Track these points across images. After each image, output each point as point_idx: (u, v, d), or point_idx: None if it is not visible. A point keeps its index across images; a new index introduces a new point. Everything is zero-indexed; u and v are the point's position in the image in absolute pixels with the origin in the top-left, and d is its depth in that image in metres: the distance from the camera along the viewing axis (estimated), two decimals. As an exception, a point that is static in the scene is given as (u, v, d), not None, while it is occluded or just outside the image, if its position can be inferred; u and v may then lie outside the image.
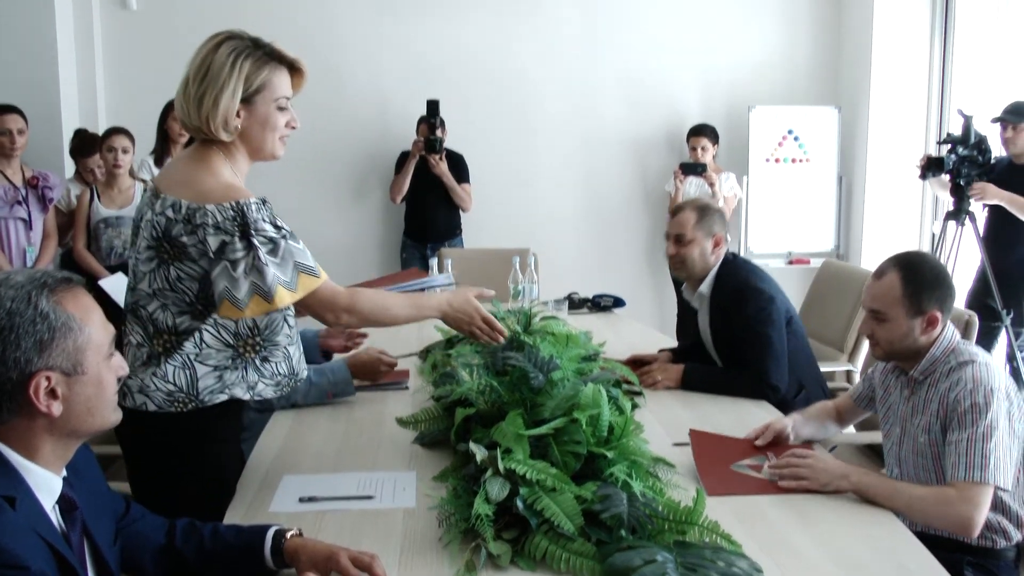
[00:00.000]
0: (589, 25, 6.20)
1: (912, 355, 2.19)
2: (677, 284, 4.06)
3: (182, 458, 1.97)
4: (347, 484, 2.06)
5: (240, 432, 2.16)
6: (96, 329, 1.42)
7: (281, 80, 1.98)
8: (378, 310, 2.05)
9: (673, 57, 6.23)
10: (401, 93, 6.01)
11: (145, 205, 1.98)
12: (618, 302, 4.19)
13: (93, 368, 1.42)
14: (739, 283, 2.94)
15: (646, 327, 3.97)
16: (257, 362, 1.98)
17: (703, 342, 3.13)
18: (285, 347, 2.02)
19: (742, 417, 2.57)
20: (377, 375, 2.79)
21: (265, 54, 1.95)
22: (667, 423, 2.50)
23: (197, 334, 1.92)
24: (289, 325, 2.02)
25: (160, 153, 5.11)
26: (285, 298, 1.87)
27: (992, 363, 2.11)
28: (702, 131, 5.78)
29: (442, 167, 5.59)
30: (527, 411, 2.02)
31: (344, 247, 6.09)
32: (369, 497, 1.99)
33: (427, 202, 5.71)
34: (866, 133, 5.94)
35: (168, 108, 5.04)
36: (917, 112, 5.89)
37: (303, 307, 1.98)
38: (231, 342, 1.95)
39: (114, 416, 1.49)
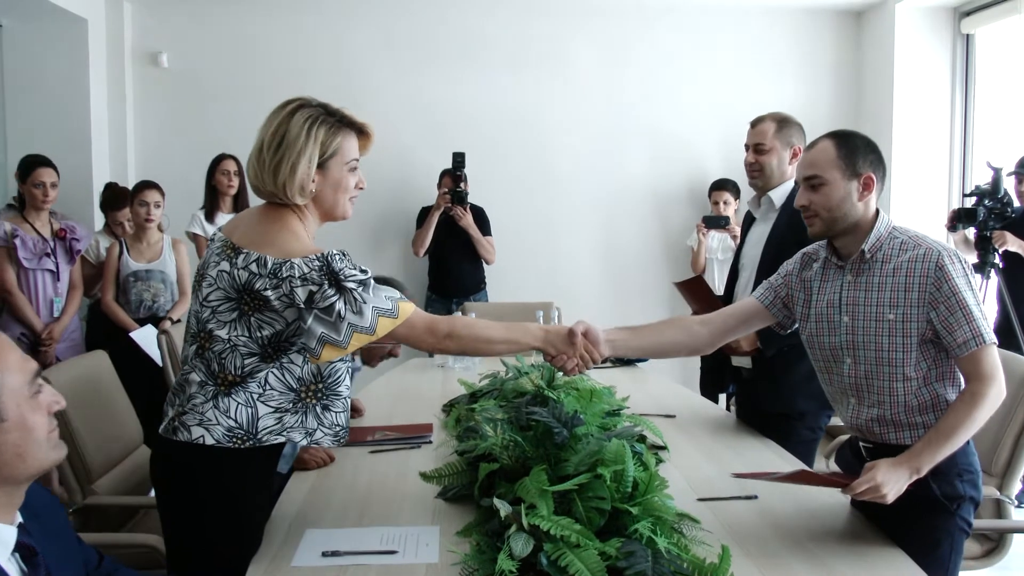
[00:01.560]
0: (611, 80, 6.28)
1: (849, 229, 2.18)
2: None
3: (223, 494, 1.97)
4: (370, 539, 2.06)
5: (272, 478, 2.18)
6: (11, 373, 1.38)
7: (351, 144, 2.05)
8: (477, 337, 2.10)
9: (695, 112, 6.29)
10: (420, 148, 6.09)
11: (217, 256, 2.01)
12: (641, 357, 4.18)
13: (13, 413, 1.37)
14: None
15: (670, 381, 3.95)
16: (318, 409, 2.02)
17: (739, 263, 3.17)
18: (345, 398, 2.06)
19: (764, 469, 2.54)
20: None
21: (337, 121, 2.02)
22: (692, 478, 2.48)
23: (261, 375, 1.97)
24: (349, 380, 2.09)
25: (210, 208, 5.22)
26: (387, 326, 1.93)
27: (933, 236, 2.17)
28: (724, 185, 5.83)
29: (467, 219, 5.63)
30: (551, 466, 2.02)
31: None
32: (392, 552, 1.99)
33: (452, 257, 5.74)
34: (889, 186, 5.93)
35: (216, 163, 5.16)
36: (939, 163, 5.90)
37: (403, 338, 2.01)
38: (294, 386, 2.00)
39: (54, 454, 1.45)
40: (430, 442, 2.88)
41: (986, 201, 4.54)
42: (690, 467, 2.60)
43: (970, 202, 4.68)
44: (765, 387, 2.98)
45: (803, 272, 2.35)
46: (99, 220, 5.34)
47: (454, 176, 5.59)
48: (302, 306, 1.89)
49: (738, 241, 5.06)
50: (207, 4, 5.98)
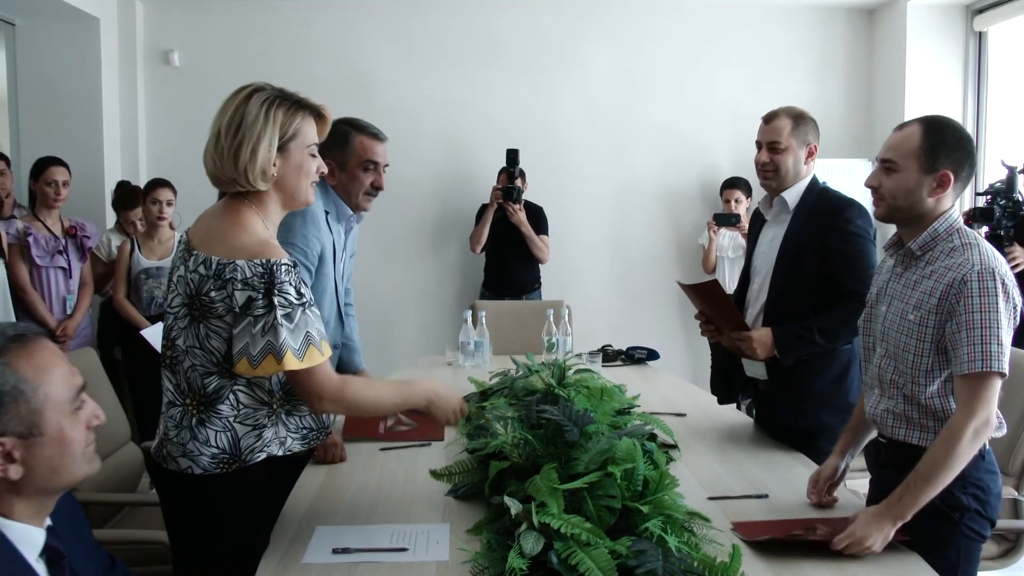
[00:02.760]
0: (622, 78, 6.28)
1: (914, 220, 2.12)
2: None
3: (225, 517, 1.97)
4: (381, 536, 2.06)
5: (279, 488, 2.18)
6: (55, 387, 1.38)
7: (310, 128, 2.01)
8: (366, 401, 2.02)
9: (707, 109, 6.28)
10: (422, 148, 6.11)
11: (179, 260, 1.99)
12: (652, 354, 4.17)
13: (53, 428, 1.37)
14: (839, 196, 2.81)
15: (680, 380, 3.94)
16: (283, 415, 1.97)
17: (751, 266, 3.00)
18: None
19: (776, 470, 2.53)
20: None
21: (294, 103, 1.98)
22: (703, 477, 2.48)
23: (232, 396, 1.92)
24: None
25: None
26: (291, 363, 1.84)
27: (994, 250, 2.05)
28: (736, 184, 5.82)
29: (520, 216, 5.62)
30: (561, 465, 2.02)
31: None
32: (403, 549, 1.99)
33: (506, 254, 5.75)
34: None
35: None
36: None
37: (300, 381, 1.91)
38: (266, 399, 1.95)
39: (87, 468, 1.46)
40: (440, 439, 2.88)
41: (1000, 200, 4.52)
42: (701, 466, 2.59)
43: (983, 201, 4.65)
44: (785, 401, 2.82)
45: (886, 258, 2.30)
46: (110, 218, 5.36)
47: (508, 172, 5.60)
48: (237, 311, 1.84)
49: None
50: (219, 2, 5.99)
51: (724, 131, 6.27)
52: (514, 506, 1.87)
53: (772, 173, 2.86)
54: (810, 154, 2.86)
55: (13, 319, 4.28)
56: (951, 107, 5.84)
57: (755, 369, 2.90)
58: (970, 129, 5.83)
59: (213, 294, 1.85)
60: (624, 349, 4.23)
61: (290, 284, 1.86)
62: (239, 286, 1.83)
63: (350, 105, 2.85)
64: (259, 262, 1.84)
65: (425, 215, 6.22)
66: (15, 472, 1.34)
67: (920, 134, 2.08)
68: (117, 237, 5.00)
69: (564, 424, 2.14)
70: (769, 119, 2.88)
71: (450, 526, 2.12)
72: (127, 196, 5.06)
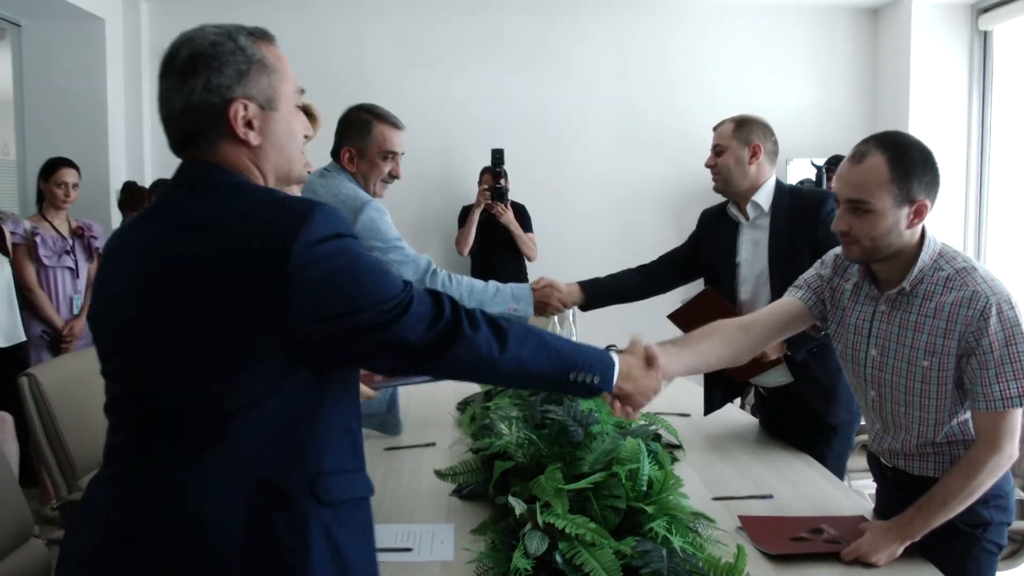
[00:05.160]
0: (626, 79, 6.28)
1: (891, 256, 1.93)
2: None
3: None
4: (385, 536, 2.05)
5: None
6: (288, 79, 1.49)
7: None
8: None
9: (709, 111, 6.25)
10: (424, 146, 6.09)
11: None
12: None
13: (284, 109, 1.46)
14: (812, 190, 2.82)
15: (684, 380, 3.93)
16: None
17: (735, 274, 2.92)
18: None
19: (781, 470, 2.54)
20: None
21: None
22: (707, 477, 2.48)
23: None
24: None
25: None
26: None
27: (989, 271, 1.91)
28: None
29: (508, 215, 5.64)
30: (566, 465, 2.02)
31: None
32: (407, 549, 1.99)
33: (494, 254, 5.75)
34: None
35: None
36: (956, 162, 5.86)
37: None
38: None
39: (301, 171, 1.53)
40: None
41: None
42: (705, 466, 2.59)
43: None
44: (812, 397, 2.77)
45: (835, 279, 2.16)
46: (116, 218, 5.37)
47: (494, 173, 5.61)
48: None
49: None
50: (224, 3, 5.99)
51: (728, 131, 6.26)
52: (519, 506, 1.87)
53: (717, 176, 2.92)
54: (754, 153, 2.85)
55: (18, 318, 4.30)
56: (955, 107, 5.83)
57: (775, 377, 2.82)
58: (975, 128, 5.83)
59: None
60: (628, 349, 4.21)
61: None
62: None
63: (350, 104, 2.87)
64: None
65: (420, 214, 6.22)
66: (255, 139, 1.42)
67: (886, 164, 1.87)
68: (122, 238, 5.00)
69: (569, 424, 2.15)
70: (717, 127, 2.97)
71: (454, 526, 2.12)
72: (133, 197, 5.08)
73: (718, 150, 2.91)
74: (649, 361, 1.86)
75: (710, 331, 2.15)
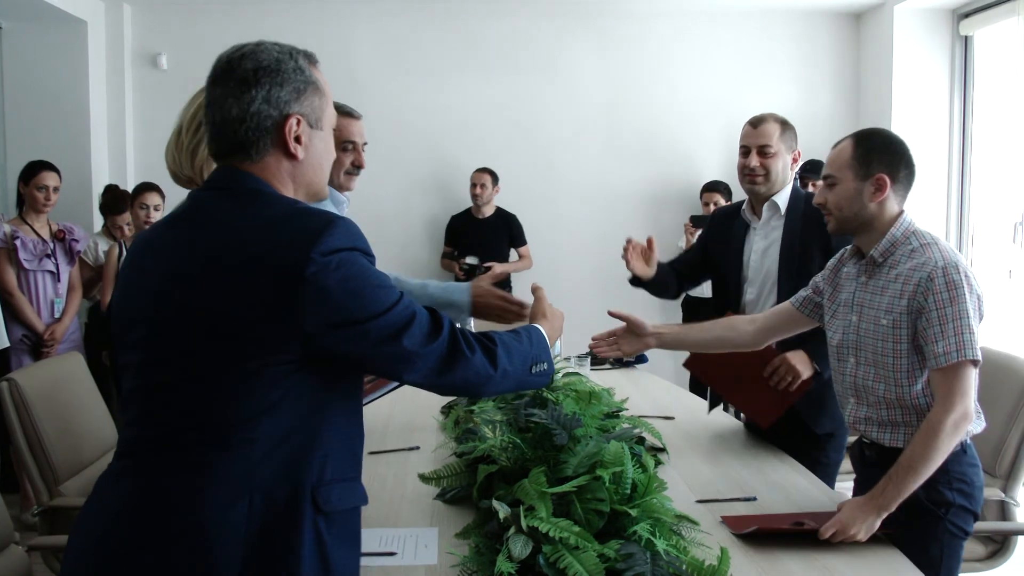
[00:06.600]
0: (609, 83, 6.31)
1: (865, 228, 2.20)
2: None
3: None
4: (369, 540, 2.03)
5: None
6: (331, 103, 1.59)
7: None
8: None
9: (693, 115, 6.30)
10: (415, 152, 6.11)
11: None
12: (640, 358, 4.17)
13: (327, 130, 1.56)
14: None
15: (669, 383, 3.95)
16: None
17: (741, 275, 2.95)
18: None
19: (765, 473, 2.55)
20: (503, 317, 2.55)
21: None
22: (691, 480, 2.49)
23: None
24: None
25: None
26: None
27: (952, 247, 2.14)
28: (715, 187, 5.85)
29: (495, 271, 5.61)
30: (550, 468, 2.02)
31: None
32: (391, 554, 1.99)
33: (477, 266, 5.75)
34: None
35: None
36: (938, 165, 5.89)
37: None
38: None
39: (326, 189, 1.61)
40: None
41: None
42: (689, 469, 2.60)
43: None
44: (826, 407, 2.74)
45: (839, 268, 2.37)
46: (98, 222, 5.34)
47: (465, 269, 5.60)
48: None
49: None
50: (206, 5, 5.98)
51: (711, 135, 6.29)
52: (503, 510, 1.87)
53: (762, 178, 2.87)
54: (794, 160, 2.91)
55: (1, 324, 4.27)
56: (937, 111, 5.87)
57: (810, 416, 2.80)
58: (956, 132, 5.87)
59: None
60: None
61: None
62: None
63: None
64: None
65: (407, 219, 6.21)
66: (301, 153, 1.50)
67: (851, 146, 2.20)
68: (104, 241, 4.98)
69: (552, 428, 2.15)
70: (757, 123, 2.90)
71: (439, 530, 2.12)
72: (115, 200, 5.04)
73: (766, 151, 2.86)
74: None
75: (720, 321, 2.62)
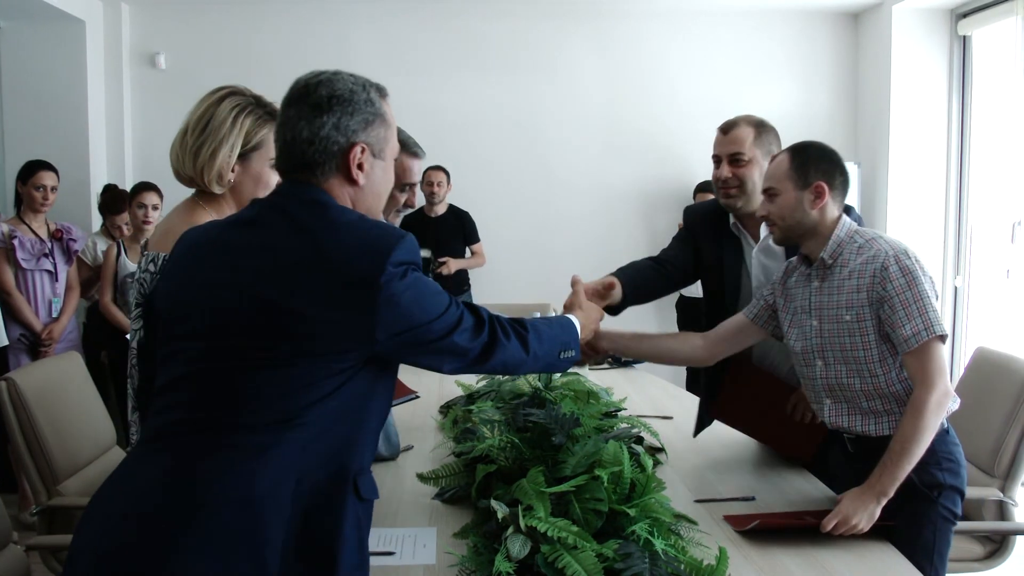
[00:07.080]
0: (607, 83, 6.31)
1: (809, 234, 2.26)
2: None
3: None
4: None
5: None
6: (395, 135, 1.66)
7: None
8: None
9: (691, 115, 6.29)
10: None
11: (140, 259, 2.00)
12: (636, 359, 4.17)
13: (388, 160, 1.64)
14: None
15: (667, 383, 3.95)
16: None
17: (740, 297, 2.65)
18: None
19: (763, 473, 2.55)
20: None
21: (266, 113, 2.00)
22: (690, 480, 2.49)
23: None
24: None
25: None
26: None
27: (897, 238, 2.23)
28: (708, 188, 5.81)
29: (450, 266, 5.65)
30: (548, 468, 2.02)
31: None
32: (390, 553, 1.99)
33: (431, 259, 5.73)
34: (886, 188, 5.95)
35: None
36: (936, 165, 5.90)
37: None
38: None
39: (381, 218, 1.66)
40: (417, 397, 3.04)
41: None
42: (687, 469, 2.60)
43: None
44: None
45: (786, 280, 2.40)
46: (96, 221, 5.34)
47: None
48: None
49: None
50: (205, 5, 5.98)
51: (710, 135, 6.23)
52: (501, 509, 1.87)
53: (736, 190, 2.55)
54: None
55: (0, 323, 4.28)
56: (936, 110, 5.87)
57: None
58: (954, 132, 5.87)
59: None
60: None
61: None
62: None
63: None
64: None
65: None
66: (362, 180, 1.58)
67: (788, 158, 2.26)
68: (103, 241, 4.97)
69: (551, 427, 2.15)
70: (727, 128, 2.63)
71: (437, 530, 2.12)
72: (114, 200, 5.03)
73: (738, 159, 2.58)
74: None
75: (675, 335, 2.78)
